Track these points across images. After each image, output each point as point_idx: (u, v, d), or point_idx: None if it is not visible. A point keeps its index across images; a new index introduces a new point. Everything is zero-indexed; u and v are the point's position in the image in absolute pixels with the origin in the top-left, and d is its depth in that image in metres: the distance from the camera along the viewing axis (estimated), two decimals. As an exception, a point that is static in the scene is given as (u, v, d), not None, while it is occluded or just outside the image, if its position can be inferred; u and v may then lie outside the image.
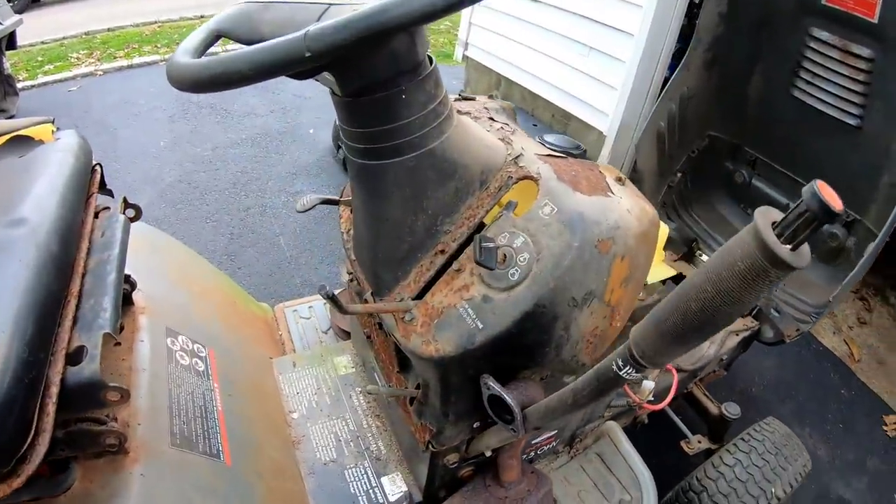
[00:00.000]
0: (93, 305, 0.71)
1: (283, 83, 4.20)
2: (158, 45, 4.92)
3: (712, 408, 1.62)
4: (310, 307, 1.66)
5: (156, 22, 5.61)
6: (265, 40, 0.56)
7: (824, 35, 1.62)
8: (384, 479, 1.11)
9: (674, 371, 1.52)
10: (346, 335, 1.52)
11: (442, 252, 0.79)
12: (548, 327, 0.70)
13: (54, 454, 0.66)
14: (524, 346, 0.72)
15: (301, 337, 1.55)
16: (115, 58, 4.57)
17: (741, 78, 1.94)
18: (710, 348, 1.67)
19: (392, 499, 1.07)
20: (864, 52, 1.53)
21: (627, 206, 0.75)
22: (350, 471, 1.12)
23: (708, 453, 1.62)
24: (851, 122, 1.63)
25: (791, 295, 1.91)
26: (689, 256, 2.22)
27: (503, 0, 3.42)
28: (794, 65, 1.75)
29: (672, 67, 2.78)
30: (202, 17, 5.52)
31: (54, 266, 0.70)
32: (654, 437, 1.68)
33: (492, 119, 0.94)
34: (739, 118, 2.03)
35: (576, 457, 1.32)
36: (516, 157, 0.81)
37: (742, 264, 0.39)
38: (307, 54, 0.53)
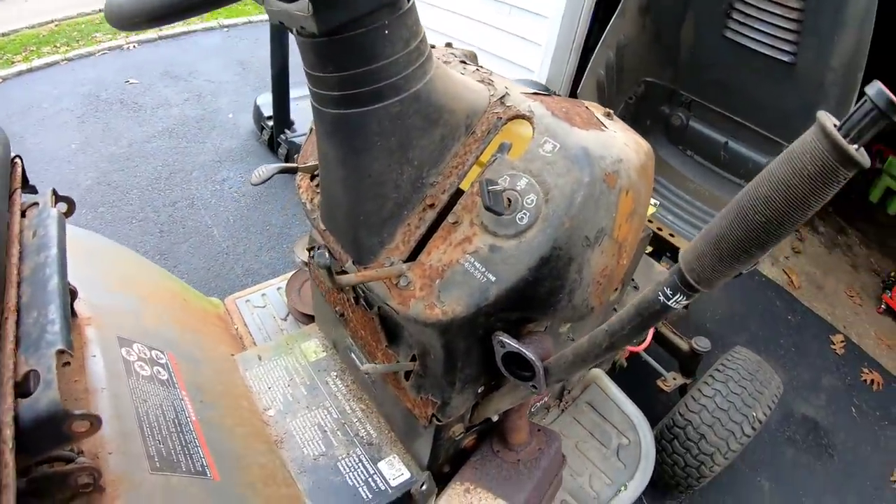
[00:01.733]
0: (37, 319, 0.59)
1: (195, 67, 3.90)
2: (58, 45, 4.46)
3: (682, 344, 1.65)
4: (262, 295, 1.54)
5: (52, 21, 5.06)
6: None
7: (755, -26, 1.65)
8: (381, 465, 1.04)
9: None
10: (308, 319, 1.42)
11: (431, 206, 0.72)
12: (563, 271, 0.66)
13: None
14: (539, 294, 0.67)
15: (259, 328, 1.44)
16: (12, 63, 4.14)
17: (674, 22, 1.96)
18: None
19: (394, 483, 1.01)
20: None
21: (624, 140, 0.71)
22: (343, 462, 1.04)
23: (681, 389, 1.66)
24: (785, 58, 1.68)
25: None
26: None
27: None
28: (726, 6, 1.78)
29: (593, 20, 2.80)
30: (101, 10, 5.02)
31: None
32: (627, 380, 1.70)
33: (464, 63, 0.86)
34: (674, 62, 2.06)
35: (567, 409, 1.30)
36: (502, 97, 0.74)
37: (812, 167, 0.39)
38: None
